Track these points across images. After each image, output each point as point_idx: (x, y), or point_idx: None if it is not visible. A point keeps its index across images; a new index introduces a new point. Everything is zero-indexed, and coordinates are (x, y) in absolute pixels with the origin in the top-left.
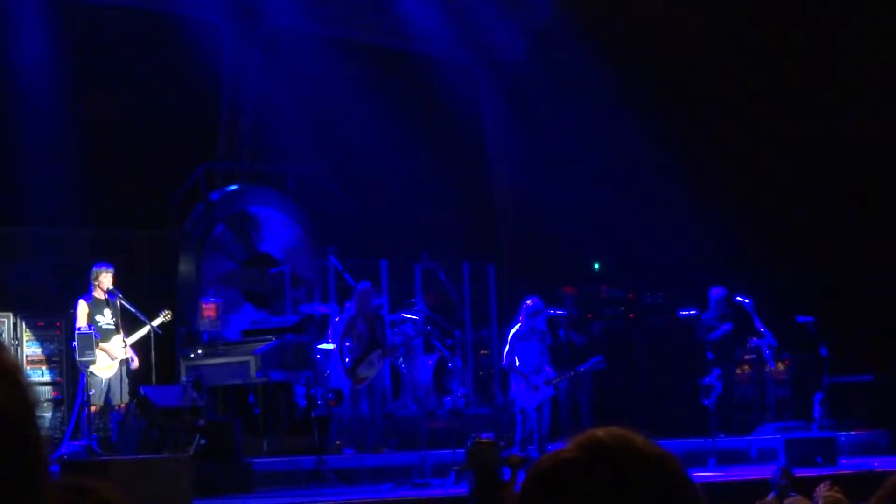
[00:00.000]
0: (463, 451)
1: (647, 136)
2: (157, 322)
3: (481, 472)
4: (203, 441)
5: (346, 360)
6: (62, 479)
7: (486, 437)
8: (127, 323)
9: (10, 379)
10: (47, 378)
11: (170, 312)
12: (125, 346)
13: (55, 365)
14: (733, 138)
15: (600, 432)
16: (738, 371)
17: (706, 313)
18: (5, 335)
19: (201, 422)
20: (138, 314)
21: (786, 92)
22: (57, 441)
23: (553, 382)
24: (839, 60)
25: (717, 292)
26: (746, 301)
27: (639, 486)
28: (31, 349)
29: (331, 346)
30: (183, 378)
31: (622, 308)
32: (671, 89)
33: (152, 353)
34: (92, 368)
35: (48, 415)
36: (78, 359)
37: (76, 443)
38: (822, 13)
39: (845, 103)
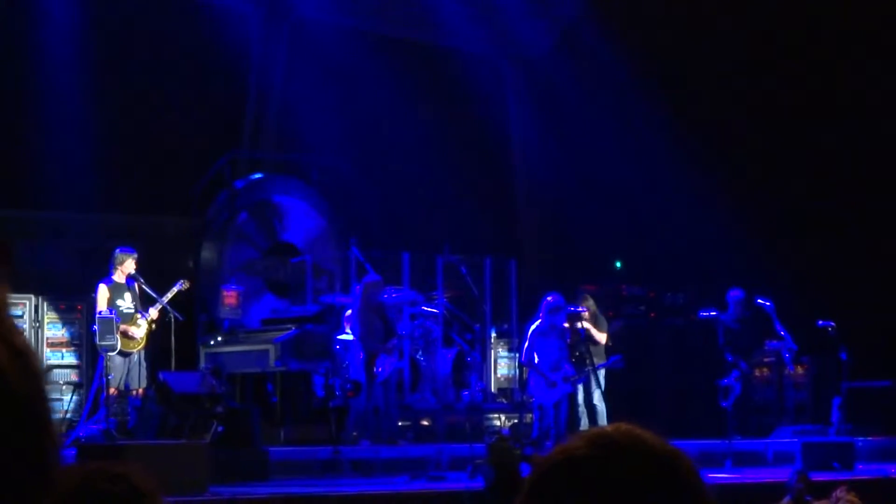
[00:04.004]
0: (480, 445)
1: (672, 133)
2: (174, 290)
3: (501, 468)
4: (220, 428)
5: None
6: (94, 465)
7: (508, 434)
8: (147, 306)
9: (22, 360)
10: (68, 361)
11: (187, 281)
12: (147, 321)
13: (76, 348)
14: (759, 138)
15: (609, 429)
16: (757, 373)
17: (724, 315)
18: (27, 317)
19: (219, 409)
20: (157, 297)
21: (813, 90)
22: (75, 424)
23: (571, 380)
24: (872, 59)
25: (734, 294)
26: (767, 303)
27: (648, 483)
28: (52, 332)
29: (350, 337)
30: (202, 365)
31: (642, 307)
32: (696, 88)
33: (172, 339)
34: (111, 353)
35: (68, 397)
36: (98, 342)
37: (93, 426)
38: (853, 10)
39: (874, 103)
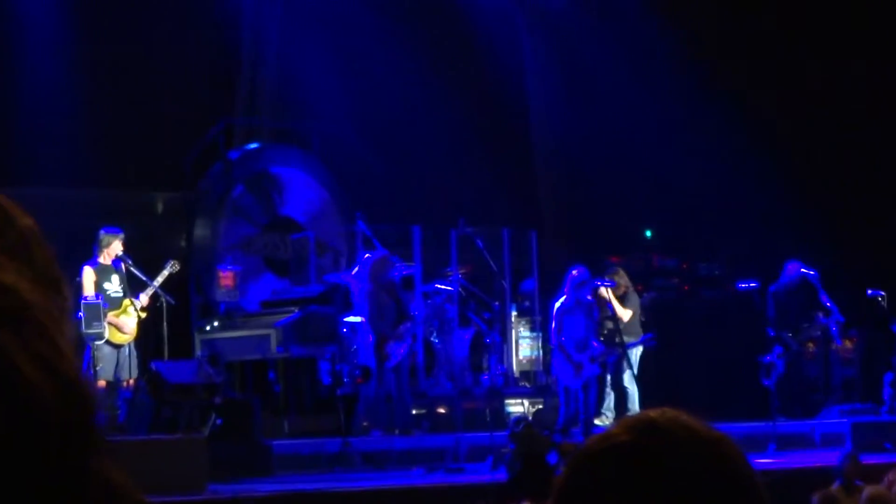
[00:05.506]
0: (501, 434)
1: (702, 91)
2: (165, 273)
3: (530, 458)
4: (219, 421)
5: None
6: None
7: (534, 421)
8: (136, 290)
9: (69, 391)
10: None
11: (177, 262)
12: (137, 309)
13: None
14: (797, 98)
15: (652, 413)
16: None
17: (775, 286)
18: None
19: (217, 400)
20: (147, 280)
21: (845, 52)
22: None
23: (599, 359)
24: None
25: (793, 267)
26: (812, 273)
27: (694, 471)
28: None
29: (358, 319)
30: (198, 352)
31: (675, 279)
32: (725, 41)
33: (165, 325)
34: (98, 342)
35: None
36: (84, 331)
37: None
38: None
39: None
